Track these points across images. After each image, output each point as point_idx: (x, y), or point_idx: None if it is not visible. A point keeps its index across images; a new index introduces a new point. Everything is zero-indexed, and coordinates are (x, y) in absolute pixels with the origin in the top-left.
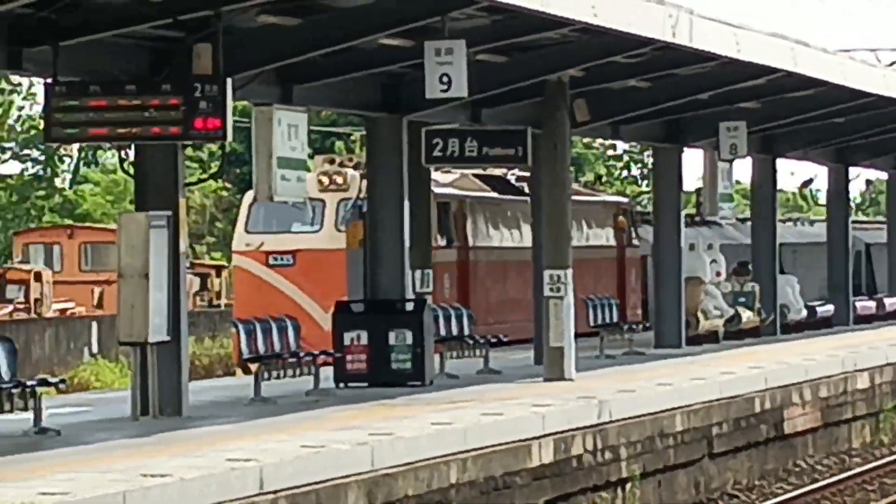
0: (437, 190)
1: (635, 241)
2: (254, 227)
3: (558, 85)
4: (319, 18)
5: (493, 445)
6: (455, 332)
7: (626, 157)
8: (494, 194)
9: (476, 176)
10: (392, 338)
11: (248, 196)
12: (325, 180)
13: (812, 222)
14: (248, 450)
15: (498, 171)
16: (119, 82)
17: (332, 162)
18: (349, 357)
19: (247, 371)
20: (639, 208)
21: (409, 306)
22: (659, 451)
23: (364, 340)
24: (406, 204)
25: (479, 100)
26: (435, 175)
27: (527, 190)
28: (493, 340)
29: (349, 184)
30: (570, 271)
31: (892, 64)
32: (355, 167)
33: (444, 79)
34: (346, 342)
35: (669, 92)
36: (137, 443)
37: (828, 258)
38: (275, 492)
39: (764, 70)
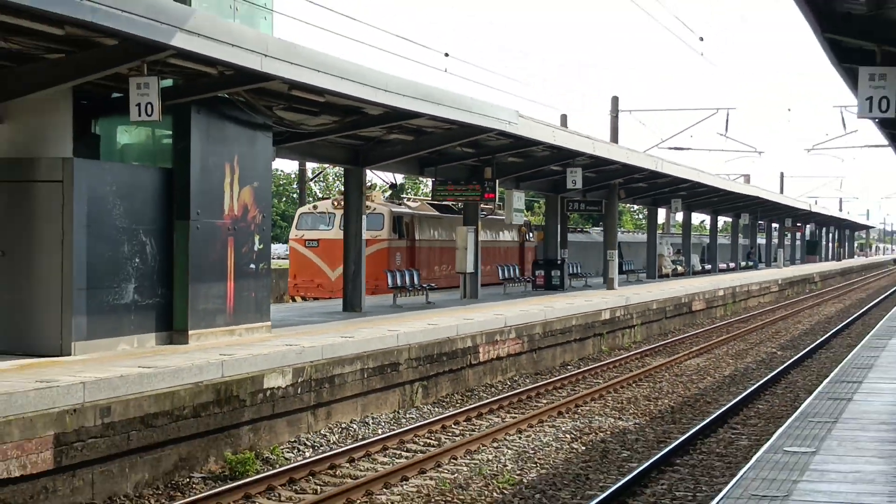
0: (397, 209)
1: (530, 240)
2: (300, 227)
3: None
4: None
5: (584, 312)
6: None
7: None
8: (434, 212)
9: (430, 204)
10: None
11: (300, 210)
12: (336, 203)
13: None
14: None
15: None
16: (456, 180)
17: (341, 195)
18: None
19: None
20: (533, 223)
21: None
22: (649, 314)
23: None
24: (558, 227)
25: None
26: (410, 203)
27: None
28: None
29: (342, 206)
30: (616, 251)
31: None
32: (340, 201)
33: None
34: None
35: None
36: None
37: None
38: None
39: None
